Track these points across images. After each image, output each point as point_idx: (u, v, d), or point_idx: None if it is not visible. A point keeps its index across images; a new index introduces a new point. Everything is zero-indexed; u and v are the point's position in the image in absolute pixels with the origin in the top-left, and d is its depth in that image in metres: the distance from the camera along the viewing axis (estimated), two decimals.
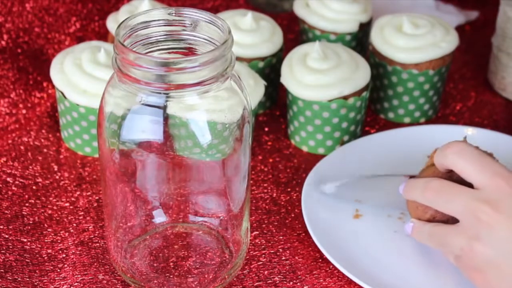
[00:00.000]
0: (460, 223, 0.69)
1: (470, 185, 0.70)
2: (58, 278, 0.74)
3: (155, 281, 0.72)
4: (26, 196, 0.83)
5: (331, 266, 0.76)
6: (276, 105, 0.96)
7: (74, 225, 0.79)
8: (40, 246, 0.77)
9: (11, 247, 0.77)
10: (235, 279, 0.74)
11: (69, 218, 0.80)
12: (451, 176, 0.72)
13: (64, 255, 0.76)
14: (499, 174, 0.68)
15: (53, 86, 0.95)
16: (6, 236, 0.78)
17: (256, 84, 0.86)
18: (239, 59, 0.90)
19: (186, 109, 0.66)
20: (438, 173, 0.73)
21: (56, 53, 0.97)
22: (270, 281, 0.74)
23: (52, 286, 0.73)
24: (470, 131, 0.87)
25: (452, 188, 0.70)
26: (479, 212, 0.67)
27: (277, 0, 1.13)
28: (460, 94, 0.99)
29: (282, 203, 0.83)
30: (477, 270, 0.68)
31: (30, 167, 0.86)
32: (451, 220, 0.71)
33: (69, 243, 0.77)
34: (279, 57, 0.93)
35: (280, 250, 0.77)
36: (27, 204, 0.82)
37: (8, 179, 0.84)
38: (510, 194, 0.67)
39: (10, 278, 0.74)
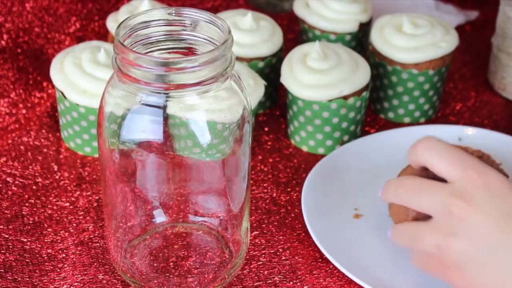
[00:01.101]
0: (433, 219, 0.66)
1: (446, 181, 0.68)
2: (58, 278, 0.74)
3: (155, 281, 0.72)
4: (26, 196, 0.83)
5: (331, 266, 0.76)
6: (276, 105, 0.96)
7: (74, 225, 0.79)
8: (40, 246, 0.77)
9: (11, 247, 0.77)
10: (235, 279, 0.74)
11: (69, 218, 0.80)
12: (428, 174, 0.70)
13: (64, 255, 0.76)
14: (470, 166, 0.65)
15: (53, 86, 0.95)
16: (6, 236, 0.78)
17: (256, 84, 0.86)
18: (239, 59, 0.90)
19: (186, 109, 0.66)
20: (415, 172, 0.72)
21: (56, 53, 0.97)
22: (270, 281, 0.74)
23: (52, 286, 0.73)
24: (470, 131, 0.87)
25: (423, 184, 0.67)
26: (452, 206, 0.64)
27: (277, 0, 1.13)
28: (460, 94, 0.99)
29: (282, 203, 0.83)
30: (454, 268, 0.65)
31: (30, 167, 0.86)
32: None
33: (69, 243, 0.77)
34: (279, 57, 0.93)
35: (280, 250, 0.77)
36: (27, 204, 0.82)
37: (8, 179, 0.84)
38: (482, 186, 0.64)
39: (10, 278, 0.74)
